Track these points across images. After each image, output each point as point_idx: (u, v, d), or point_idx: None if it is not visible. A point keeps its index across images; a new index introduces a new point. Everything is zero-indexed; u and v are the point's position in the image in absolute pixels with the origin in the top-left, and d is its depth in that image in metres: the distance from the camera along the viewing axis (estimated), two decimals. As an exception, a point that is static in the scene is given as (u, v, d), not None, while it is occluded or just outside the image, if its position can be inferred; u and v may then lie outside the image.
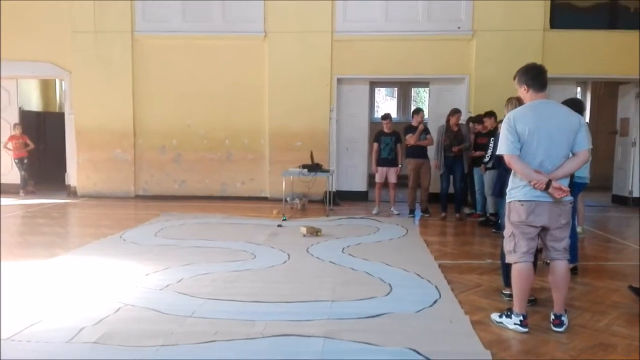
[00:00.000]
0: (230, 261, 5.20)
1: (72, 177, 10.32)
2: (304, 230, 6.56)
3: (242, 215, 8.25)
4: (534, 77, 3.43)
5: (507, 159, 3.41)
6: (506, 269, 3.92)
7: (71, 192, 10.26)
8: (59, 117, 11.26)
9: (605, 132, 11.52)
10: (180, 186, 10.08)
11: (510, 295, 3.77)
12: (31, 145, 10.55)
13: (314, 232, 6.55)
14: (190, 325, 3.49)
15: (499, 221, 5.89)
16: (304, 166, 8.40)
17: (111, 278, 4.60)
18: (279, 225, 7.22)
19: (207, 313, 3.71)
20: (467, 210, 8.47)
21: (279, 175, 8.69)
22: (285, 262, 5.24)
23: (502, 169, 4.39)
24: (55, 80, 13.01)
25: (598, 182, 11.59)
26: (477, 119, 7.97)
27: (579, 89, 12.73)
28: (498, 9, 9.32)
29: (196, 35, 9.77)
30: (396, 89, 15.26)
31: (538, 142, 3.31)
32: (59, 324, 3.48)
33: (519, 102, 4.17)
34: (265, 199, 9.85)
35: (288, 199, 8.87)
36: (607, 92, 12.23)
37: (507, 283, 3.93)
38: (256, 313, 3.72)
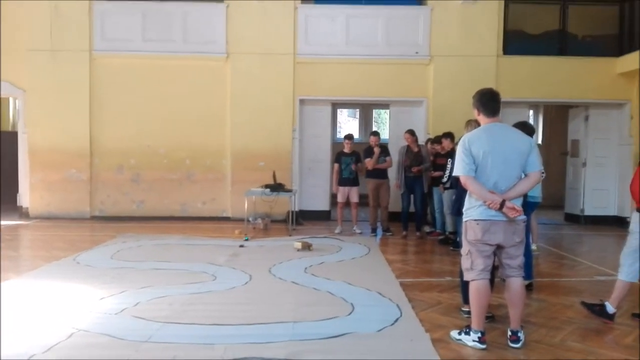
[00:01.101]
0: (189, 283, 5.09)
1: (25, 197, 9.91)
2: (298, 245, 6.85)
3: (203, 235, 8.11)
4: (486, 102, 3.57)
5: (462, 180, 3.51)
6: (465, 286, 4.00)
7: (23, 214, 9.83)
8: (12, 136, 10.85)
9: (557, 153, 12.04)
10: (138, 207, 9.84)
11: (469, 312, 3.82)
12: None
13: (307, 246, 6.85)
14: (146, 350, 3.38)
15: (458, 239, 6.02)
16: (266, 186, 8.38)
17: (64, 302, 4.42)
18: (241, 246, 7.14)
19: (164, 337, 3.61)
20: (427, 229, 8.62)
21: (241, 195, 8.61)
22: (246, 283, 5.17)
23: (459, 189, 4.51)
24: (8, 99, 12.54)
25: (551, 201, 12.06)
26: (436, 140, 8.17)
27: (531, 112, 13.31)
28: (454, 36, 9.66)
29: (157, 55, 9.67)
30: (358, 110, 15.50)
31: (492, 163, 3.43)
32: (8, 351, 3.30)
33: (477, 124, 4.31)
34: (227, 219, 9.73)
35: (250, 219, 8.80)
36: (558, 115, 12.81)
37: (466, 300, 4.00)
38: (216, 336, 3.65)
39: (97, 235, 8.05)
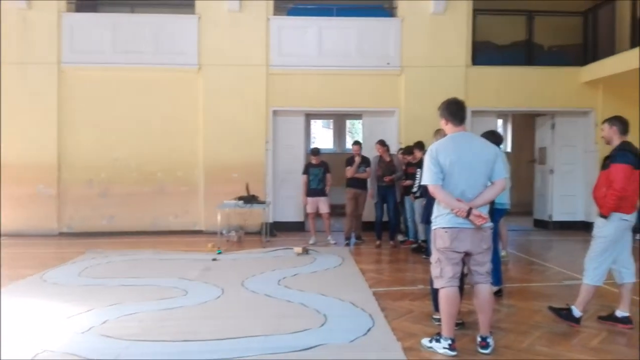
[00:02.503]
0: (160, 299, 5.00)
1: (-10, 214, 9.61)
2: (299, 250, 7.39)
3: (175, 250, 7.98)
4: (454, 112, 3.64)
5: (431, 189, 3.56)
6: (435, 294, 4.03)
7: (-12, 231, 9.54)
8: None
9: (526, 160, 12.32)
10: (108, 222, 9.64)
11: (440, 320, 3.86)
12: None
13: (306, 251, 7.43)
14: (113, 369, 3.31)
15: (429, 247, 6.08)
16: (239, 198, 8.33)
17: (30, 322, 4.29)
18: (214, 259, 7.06)
19: (133, 355, 3.54)
20: (400, 238, 8.69)
21: (214, 207, 8.54)
22: (218, 297, 5.11)
23: (429, 197, 4.57)
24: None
25: (520, 208, 12.33)
26: (407, 150, 8.27)
27: (500, 121, 13.60)
28: (424, 46, 9.83)
29: (127, 67, 9.56)
30: (332, 120, 15.59)
31: (459, 172, 3.49)
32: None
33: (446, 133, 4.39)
34: (199, 232, 9.61)
35: (224, 231, 8.71)
36: (525, 123, 13.10)
37: (437, 308, 4.03)
38: (186, 352, 3.60)
39: (65, 252, 7.84)
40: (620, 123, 4.22)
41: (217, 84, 9.63)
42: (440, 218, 3.58)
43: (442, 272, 3.58)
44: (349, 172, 8.45)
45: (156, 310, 4.63)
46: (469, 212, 3.42)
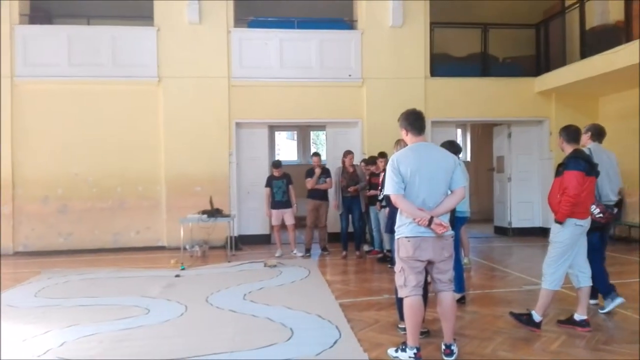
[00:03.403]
0: (120, 319, 4.84)
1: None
2: (272, 262, 7.59)
3: (136, 267, 7.78)
4: (413, 122, 3.71)
5: (393, 199, 3.60)
6: (400, 303, 4.05)
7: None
8: None
9: (485, 169, 12.65)
10: (66, 239, 9.31)
11: (405, 329, 3.89)
12: None
13: (274, 264, 7.51)
14: (71, 394, 3.17)
15: (394, 257, 6.14)
16: (203, 212, 8.19)
17: (-21, 349, 4.07)
18: (177, 276, 6.90)
19: (92, 378, 3.40)
20: (366, 248, 8.74)
21: (177, 222, 8.35)
22: (182, 314, 4.99)
23: (392, 207, 4.63)
24: None
25: (481, 215, 12.67)
26: (370, 161, 8.35)
27: (459, 130, 13.94)
28: (384, 59, 10.00)
29: (84, 80, 9.34)
30: (296, 132, 15.61)
31: (420, 181, 3.54)
32: None
33: (406, 143, 4.46)
34: (162, 248, 9.40)
35: (187, 246, 8.55)
36: (484, 133, 13.50)
37: (402, 317, 4.05)
38: (148, 373, 3.48)
39: (20, 273, 7.51)
40: (565, 133, 4.44)
41: (177, 96, 9.51)
42: (403, 227, 3.62)
43: (405, 281, 3.62)
44: (310, 183, 8.48)
45: (116, 330, 4.48)
46: (430, 221, 3.47)
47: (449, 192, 3.64)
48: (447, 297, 3.67)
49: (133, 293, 5.91)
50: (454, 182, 3.62)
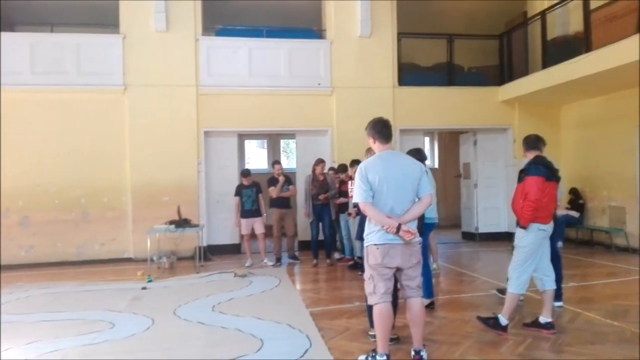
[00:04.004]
0: (84, 334, 4.69)
1: None
2: (241, 271, 7.48)
3: (102, 280, 7.57)
4: (380, 130, 3.75)
5: (361, 207, 3.62)
6: (371, 310, 4.07)
7: None
8: None
9: (452, 176, 12.87)
10: (27, 252, 8.98)
11: (375, 336, 3.91)
12: None
13: (244, 274, 7.44)
14: (30, 414, 3.05)
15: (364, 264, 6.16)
16: (171, 222, 8.05)
17: None
18: (144, 288, 6.74)
19: (53, 397, 3.28)
20: (337, 256, 8.75)
21: (144, 233, 8.17)
22: (148, 328, 4.87)
23: (362, 215, 4.65)
24: None
25: (449, 221, 12.87)
26: (340, 169, 8.39)
27: (427, 138, 14.17)
28: (353, 68, 10.10)
29: (47, 89, 9.06)
30: (266, 140, 15.55)
31: (387, 189, 3.57)
32: None
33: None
34: (128, 260, 9.18)
35: (154, 258, 8.38)
36: (451, 140, 13.75)
37: (372, 324, 4.09)
38: (113, 389, 3.38)
39: (-23, 288, 7.21)
40: (524, 142, 4.67)
41: (144, 105, 9.35)
42: (372, 235, 3.64)
43: (375, 288, 3.63)
44: (274, 192, 8.46)
45: (80, 345, 4.34)
46: (398, 228, 3.49)
47: (417, 199, 3.68)
48: (415, 303, 3.70)
49: (98, 307, 5.75)
50: (421, 190, 3.67)
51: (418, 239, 3.68)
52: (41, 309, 5.76)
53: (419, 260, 3.72)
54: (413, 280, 3.68)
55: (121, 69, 9.33)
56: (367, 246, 3.69)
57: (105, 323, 5.06)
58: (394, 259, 3.58)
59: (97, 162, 9.23)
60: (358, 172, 3.67)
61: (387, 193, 3.57)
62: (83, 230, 9.17)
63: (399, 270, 3.66)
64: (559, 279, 4.89)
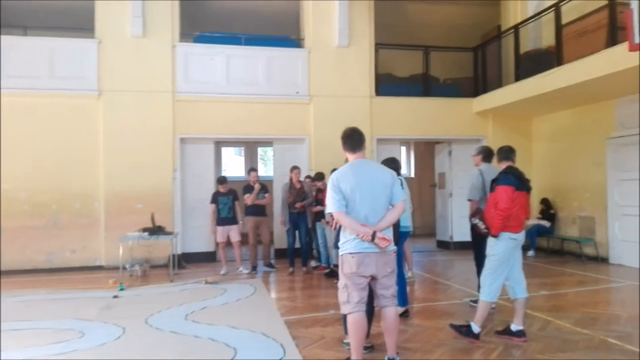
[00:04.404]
0: (52, 343, 4.57)
1: None
2: (212, 278, 7.43)
3: (72, 288, 7.39)
4: (345, 141, 3.78)
5: (335, 216, 3.62)
6: (346, 318, 4.10)
7: None
8: None
9: (428, 185, 13.02)
10: (-6, 260, 8.73)
11: (350, 344, 3.92)
12: None
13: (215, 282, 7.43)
14: None
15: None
16: (144, 229, 7.92)
17: None
18: (115, 296, 6.61)
19: (17, 409, 3.18)
20: (313, 264, 8.74)
21: (116, 240, 8.03)
22: (119, 337, 4.77)
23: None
24: None
25: (424, 230, 13.00)
26: (317, 177, 8.41)
27: (403, 148, 14.31)
28: (330, 77, 10.16)
29: (19, 93, 8.86)
30: (243, 148, 15.49)
31: (360, 197, 3.58)
32: None
33: None
34: (100, 268, 8.99)
35: (127, 266, 8.22)
36: (426, 150, 13.92)
37: (347, 331, 4.12)
38: (80, 400, 3.29)
39: (-61, 297, 6.95)
40: (497, 153, 4.87)
41: (119, 111, 9.22)
42: (347, 244, 3.64)
43: (348, 297, 3.62)
44: (249, 199, 8.43)
45: (48, 355, 4.22)
46: (373, 236, 3.50)
47: (390, 207, 3.70)
48: (390, 312, 3.71)
49: (67, 316, 5.61)
50: (394, 197, 3.68)
51: (393, 247, 3.70)
52: (9, 318, 5.57)
53: (393, 269, 3.73)
54: (387, 290, 3.69)
55: (96, 73, 9.20)
56: (342, 255, 3.68)
57: (75, 332, 4.94)
58: (368, 268, 3.59)
59: (69, 167, 9.04)
60: (330, 182, 3.67)
61: (360, 202, 3.58)
62: (54, 237, 8.95)
63: (373, 279, 3.67)
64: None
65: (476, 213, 5.62)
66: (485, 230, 5.11)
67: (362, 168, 3.70)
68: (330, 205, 3.60)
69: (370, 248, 3.56)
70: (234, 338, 4.63)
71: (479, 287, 5.92)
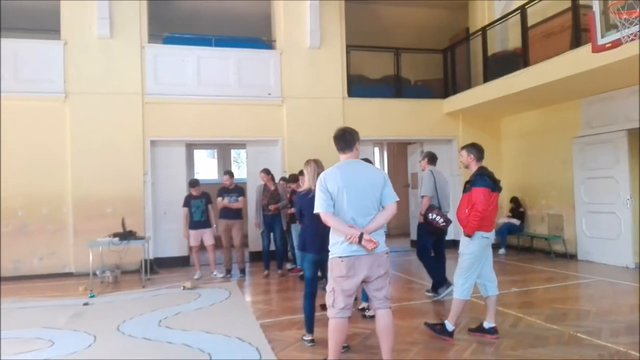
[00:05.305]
0: (20, 353, 4.43)
1: None
2: (187, 284, 7.29)
3: (40, 296, 7.18)
4: (338, 141, 3.74)
5: (322, 217, 3.55)
6: (308, 311, 4.49)
7: None
8: None
9: (401, 185, 13.12)
10: (-43, 269, 8.41)
11: (311, 341, 4.31)
12: None
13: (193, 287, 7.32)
14: None
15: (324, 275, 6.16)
16: (114, 235, 7.75)
17: None
18: (85, 304, 6.45)
19: None
20: (288, 266, 8.72)
21: (86, 246, 7.83)
22: (90, 345, 4.66)
23: (303, 225, 4.79)
24: None
25: (398, 230, 13.11)
26: (291, 179, 8.38)
27: (376, 149, 14.41)
28: (303, 79, 10.16)
29: (-20, 95, 8.59)
30: (216, 150, 15.34)
31: (348, 198, 3.51)
32: None
33: (315, 162, 4.59)
34: (69, 274, 8.76)
35: (97, 272, 8.04)
36: (399, 151, 14.04)
37: (309, 328, 4.49)
38: (50, 412, 3.20)
39: None
40: (476, 151, 4.69)
41: (86, 113, 9.00)
42: (336, 247, 3.56)
43: (334, 302, 3.57)
44: (220, 203, 8.35)
45: (14, 367, 4.10)
46: (360, 238, 3.42)
47: (381, 208, 3.60)
48: (383, 315, 3.61)
49: (36, 324, 5.45)
50: (384, 198, 3.59)
51: (385, 248, 3.61)
52: (-29, 330, 5.39)
53: (386, 270, 3.64)
54: (380, 291, 3.62)
55: (62, 75, 8.97)
56: (331, 258, 3.59)
57: (44, 341, 4.80)
58: (360, 271, 3.52)
59: (35, 172, 8.78)
60: (318, 182, 3.61)
61: (348, 202, 3.50)
62: (21, 244, 8.68)
63: (365, 281, 3.59)
64: (437, 270, 6.29)
65: (432, 209, 5.93)
66: (444, 224, 5.56)
67: (352, 168, 3.64)
68: (318, 205, 3.54)
69: (360, 251, 3.48)
70: (209, 343, 4.58)
71: (433, 285, 6.15)
